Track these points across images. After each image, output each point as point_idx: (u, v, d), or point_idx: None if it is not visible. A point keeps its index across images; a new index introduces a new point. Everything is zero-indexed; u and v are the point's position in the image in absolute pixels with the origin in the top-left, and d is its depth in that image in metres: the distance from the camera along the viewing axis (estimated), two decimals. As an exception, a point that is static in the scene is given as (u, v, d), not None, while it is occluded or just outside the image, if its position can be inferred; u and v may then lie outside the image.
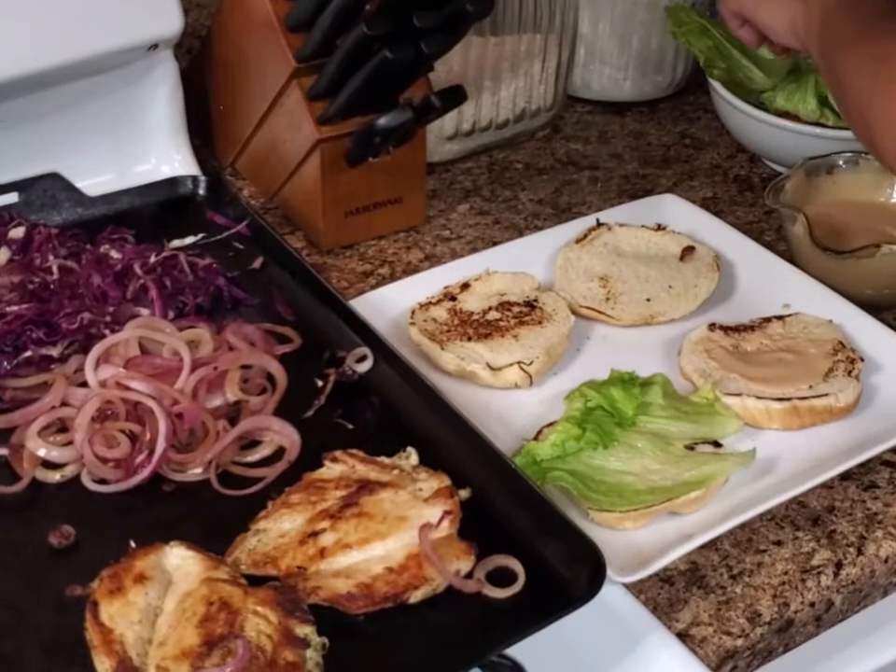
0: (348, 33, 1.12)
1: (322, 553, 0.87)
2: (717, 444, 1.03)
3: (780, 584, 0.94)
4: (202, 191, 1.28)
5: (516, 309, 1.16)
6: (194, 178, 1.28)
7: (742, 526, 0.97)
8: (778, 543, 0.98)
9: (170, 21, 1.22)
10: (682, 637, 0.90)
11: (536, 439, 1.02)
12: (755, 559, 0.96)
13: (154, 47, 1.23)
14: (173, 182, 1.28)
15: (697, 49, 1.41)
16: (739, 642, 0.91)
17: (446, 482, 0.91)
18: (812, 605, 0.94)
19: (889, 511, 1.00)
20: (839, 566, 0.96)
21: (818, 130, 1.36)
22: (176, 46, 1.26)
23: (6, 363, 1.03)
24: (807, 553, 0.97)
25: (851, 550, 0.97)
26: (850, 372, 1.07)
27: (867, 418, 1.06)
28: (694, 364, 1.10)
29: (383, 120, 1.15)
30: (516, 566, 0.87)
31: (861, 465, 1.02)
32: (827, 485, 1.02)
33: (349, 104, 1.18)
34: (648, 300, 1.19)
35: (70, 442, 0.97)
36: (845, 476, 1.02)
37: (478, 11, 1.12)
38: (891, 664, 1.05)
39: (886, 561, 0.97)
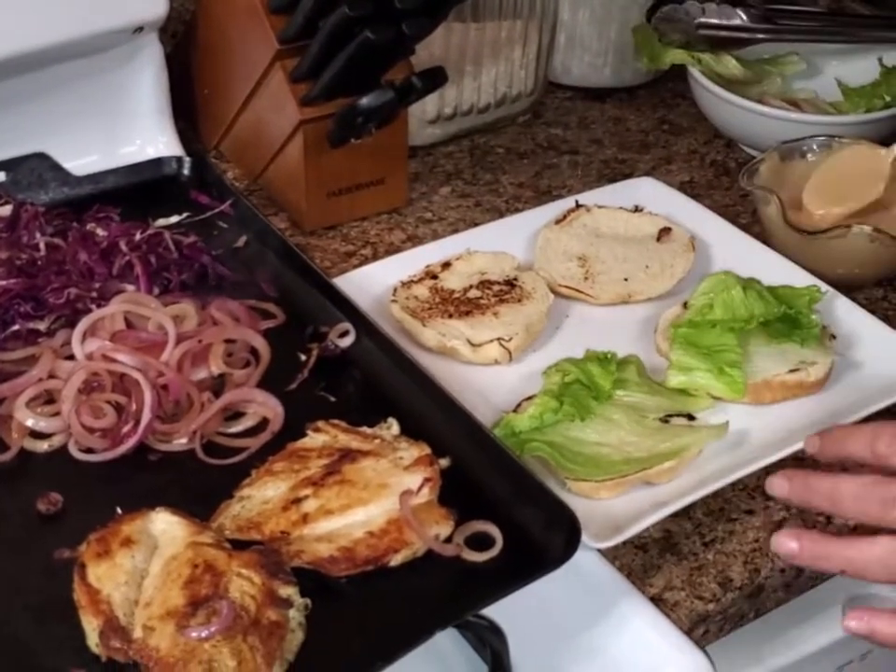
0: (330, 14, 1.14)
1: (305, 519, 0.89)
2: (690, 417, 1.05)
3: (751, 551, 0.97)
4: (186, 171, 1.29)
5: (496, 287, 1.18)
6: (178, 159, 1.30)
7: (714, 496, 1.00)
8: (750, 512, 1.00)
9: (155, 4, 1.23)
10: (655, 601, 0.92)
11: (515, 412, 1.04)
12: (727, 527, 0.99)
13: (139, 29, 1.25)
14: (157, 162, 1.30)
15: (663, 63, 1.45)
16: (711, 607, 0.93)
17: (426, 450, 0.93)
18: (782, 571, 0.97)
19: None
20: (809, 534, 0.98)
21: (793, 115, 1.39)
22: (161, 30, 1.28)
23: (-7, 337, 1.05)
24: (778, 521, 0.99)
25: (820, 519, 1.00)
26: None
27: (837, 393, 1.09)
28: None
29: (365, 100, 1.17)
30: (494, 531, 0.89)
31: (831, 437, 1.04)
32: (797, 457, 1.04)
33: (331, 85, 1.19)
34: (625, 279, 1.21)
35: (57, 413, 0.98)
36: (815, 448, 1.05)
37: (459, -6, 1.15)
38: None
39: (854, 530, 1.00)
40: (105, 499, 0.92)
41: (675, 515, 0.97)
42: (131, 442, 0.96)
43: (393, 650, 0.79)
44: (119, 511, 0.90)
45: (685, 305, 1.15)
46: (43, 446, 0.98)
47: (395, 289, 1.17)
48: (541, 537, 0.89)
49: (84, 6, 1.19)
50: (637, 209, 1.29)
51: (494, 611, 0.85)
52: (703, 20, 1.43)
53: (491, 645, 0.85)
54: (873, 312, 1.16)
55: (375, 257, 1.27)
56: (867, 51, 1.47)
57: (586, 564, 0.91)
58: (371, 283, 1.18)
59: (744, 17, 1.43)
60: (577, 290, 1.20)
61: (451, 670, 0.87)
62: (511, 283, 1.19)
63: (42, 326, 1.06)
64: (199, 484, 0.95)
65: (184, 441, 0.98)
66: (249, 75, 1.27)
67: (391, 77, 1.21)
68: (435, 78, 1.19)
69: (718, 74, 1.44)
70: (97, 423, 0.97)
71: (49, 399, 1.00)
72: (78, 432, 0.97)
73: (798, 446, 1.01)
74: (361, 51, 1.14)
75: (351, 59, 1.15)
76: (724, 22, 1.43)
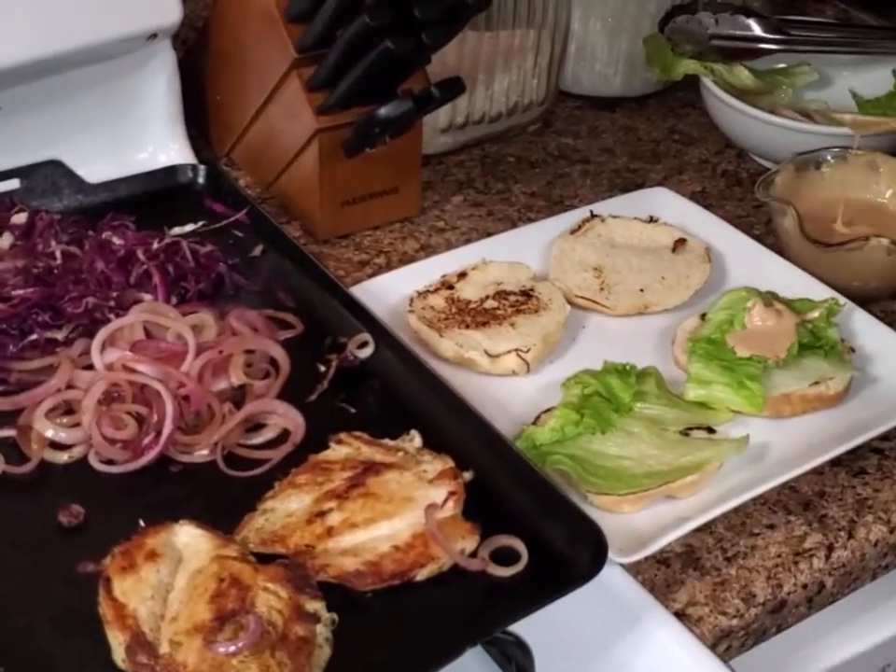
0: (349, 23, 1.14)
1: (329, 532, 0.88)
2: (711, 430, 1.05)
3: (774, 566, 0.97)
4: (201, 180, 1.29)
5: (513, 298, 1.18)
6: (193, 167, 1.29)
7: (736, 510, 0.99)
8: (771, 527, 1.00)
9: (169, 11, 1.23)
10: (679, 616, 0.92)
11: (534, 424, 1.04)
12: (749, 542, 0.98)
13: (153, 36, 1.24)
14: (172, 170, 1.29)
15: (675, 74, 1.45)
16: (734, 622, 0.93)
17: (450, 463, 0.93)
18: (804, 587, 0.96)
19: (879, 497, 1.03)
20: (830, 549, 0.98)
21: (805, 126, 1.39)
22: (174, 37, 1.28)
23: (12, 346, 1.04)
24: (799, 536, 0.99)
25: (842, 534, 1.00)
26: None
27: (856, 406, 1.09)
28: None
29: (384, 110, 1.16)
30: (519, 545, 0.89)
31: (851, 451, 1.04)
32: (818, 471, 1.04)
33: (348, 94, 1.19)
34: (641, 290, 1.21)
35: (77, 424, 0.98)
36: (835, 462, 1.05)
37: (477, 4, 1.14)
38: (880, 645, 1.07)
39: (875, 545, 1.00)
40: (127, 511, 0.92)
41: (696, 530, 0.97)
42: (152, 454, 0.96)
43: (422, 666, 0.79)
44: (141, 523, 0.90)
45: (703, 317, 1.15)
46: (63, 457, 0.97)
47: (411, 299, 1.17)
48: (567, 552, 0.89)
49: (98, 13, 1.19)
50: (651, 219, 1.29)
51: (517, 625, 0.84)
52: (716, 30, 1.43)
53: (516, 661, 0.84)
54: (890, 325, 1.16)
55: (389, 266, 1.26)
56: (879, 63, 1.47)
57: (610, 578, 0.91)
58: (387, 293, 1.18)
59: (756, 28, 1.43)
60: (593, 301, 1.19)
61: (475, 686, 0.87)
62: (527, 293, 1.18)
63: (60, 335, 1.06)
64: (221, 496, 0.95)
65: (205, 452, 0.98)
66: (264, 82, 1.26)
67: (407, 86, 1.21)
68: (453, 88, 1.19)
69: (730, 84, 1.44)
70: (118, 434, 0.97)
71: (69, 409, 1.00)
72: (99, 443, 0.96)
73: (819, 461, 1.02)
74: (380, 61, 1.13)
75: (369, 68, 1.15)
76: (737, 33, 1.43)
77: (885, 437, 1.07)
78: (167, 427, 0.96)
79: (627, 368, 1.08)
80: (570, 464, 0.99)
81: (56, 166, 1.25)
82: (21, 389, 1.01)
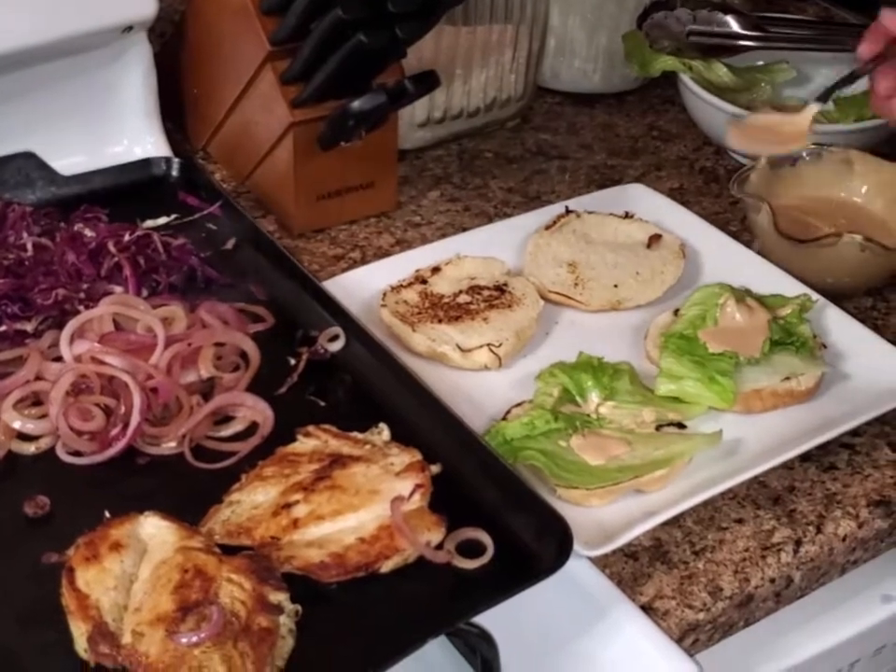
0: (323, 16, 1.14)
1: (295, 524, 0.88)
2: (681, 426, 1.05)
3: (741, 560, 0.97)
4: (174, 173, 1.29)
5: (486, 293, 1.18)
6: (167, 160, 1.29)
7: (705, 504, 0.99)
8: (740, 521, 1.00)
9: (144, 4, 1.23)
10: (646, 609, 0.92)
11: (504, 419, 1.04)
12: (717, 536, 0.98)
13: (128, 29, 1.24)
14: (146, 163, 1.29)
15: (653, 70, 1.45)
16: (701, 615, 0.93)
17: (417, 456, 0.93)
18: (772, 581, 0.96)
19: (848, 492, 1.03)
20: (798, 543, 0.99)
21: (782, 123, 1.39)
22: (150, 30, 1.27)
23: (-20, 337, 1.04)
24: (768, 530, 0.99)
25: (811, 528, 1.00)
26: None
27: (827, 402, 1.09)
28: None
29: (357, 103, 1.16)
30: (485, 538, 0.89)
31: (821, 447, 1.04)
32: (787, 466, 1.04)
33: (323, 87, 1.19)
34: (615, 286, 1.21)
35: (45, 415, 0.98)
36: (805, 457, 1.05)
37: (451, -2, 1.15)
38: (849, 640, 1.07)
39: (844, 540, 1.00)
40: (93, 503, 0.92)
41: (665, 524, 0.97)
42: (119, 446, 0.96)
43: (384, 657, 0.79)
44: (107, 514, 0.90)
45: (676, 313, 1.15)
46: (30, 448, 0.97)
47: (384, 294, 1.17)
48: (533, 544, 0.89)
49: (73, 5, 1.19)
50: (627, 215, 1.29)
51: (483, 618, 0.84)
52: (694, 27, 1.43)
53: (481, 652, 0.85)
54: (862, 321, 1.16)
55: (364, 260, 1.26)
56: (856, 60, 1.47)
57: (577, 572, 0.91)
58: (360, 287, 1.18)
59: (734, 24, 1.43)
60: (567, 296, 1.19)
61: (441, 678, 0.87)
62: (500, 288, 1.18)
63: (29, 327, 1.05)
64: (188, 488, 0.95)
65: (173, 444, 0.97)
66: (239, 76, 1.26)
67: (382, 80, 1.21)
68: (427, 82, 1.18)
69: (708, 81, 1.44)
70: (85, 425, 0.96)
71: (37, 400, 1.00)
72: (66, 435, 0.96)
73: (788, 455, 1.02)
74: (354, 55, 1.13)
75: (343, 62, 1.15)
76: (715, 30, 1.43)
77: (855, 433, 1.07)
78: (135, 419, 0.96)
79: (602, 364, 1.08)
80: (542, 459, 0.99)
81: (29, 158, 1.24)
82: (-11, 381, 1.01)
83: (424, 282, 1.19)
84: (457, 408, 1.01)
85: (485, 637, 0.84)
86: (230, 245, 1.20)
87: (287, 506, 0.89)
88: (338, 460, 0.93)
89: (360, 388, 1.05)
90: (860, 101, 1.42)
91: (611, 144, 1.50)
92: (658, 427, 1.04)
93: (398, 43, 1.15)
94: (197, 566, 0.83)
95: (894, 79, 1.14)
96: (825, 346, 1.13)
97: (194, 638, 0.78)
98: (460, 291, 1.18)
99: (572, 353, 1.09)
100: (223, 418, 1.00)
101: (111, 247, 1.12)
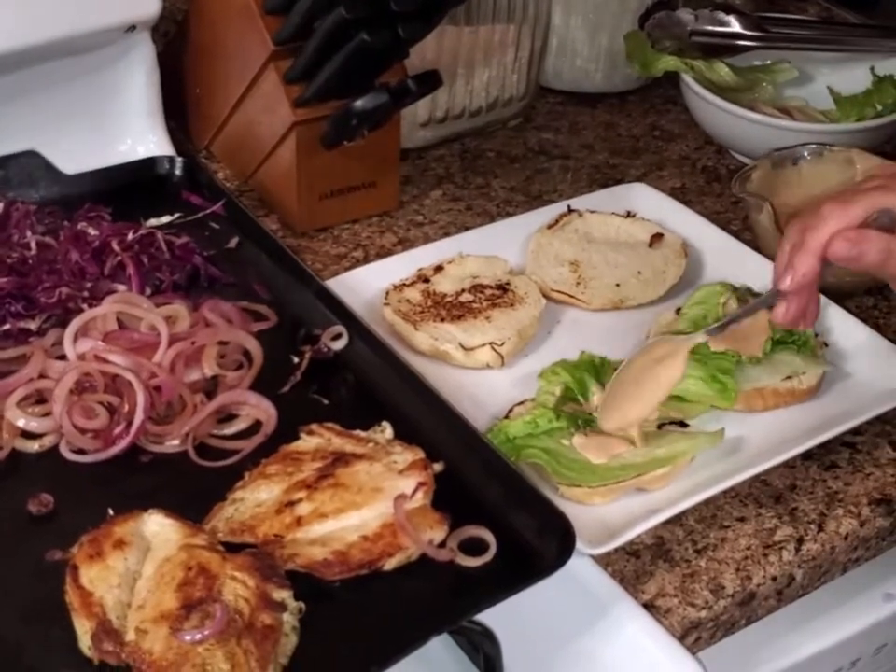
0: (326, 16, 1.14)
1: (299, 522, 0.88)
2: (683, 424, 1.05)
3: (743, 559, 0.97)
4: (178, 172, 1.29)
5: (489, 291, 1.18)
6: (171, 159, 1.29)
7: (707, 503, 1.00)
8: (742, 520, 1.00)
9: (148, 3, 1.23)
10: (648, 607, 0.92)
11: (506, 418, 1.04)
12: (719, 534, 0.99)
13: (132, 28, 1.24)
14: (149, 162, 1.29)
15: (655, 70, 1.45)
16: (703, 614, 0.93)
17: (420, 454, 0.93)
18: (774, 579, 0.97)
19: (849, 490, 1.03)
20: (800, 542, 0.99)
21: (784, 122, 1.39)
22: (153, 29, 1.28)
23: (-16, 335, 1.04)
24: (770, 529, 0.99)
25: (812, 527, 1.00)
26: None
27: (829, 401, 1.09)
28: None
29: (359, 103, 1.16)
30: (488, 536, 0.89)
31: (822, 445, 1.04)
32: (789, 465, 1.04)
33: (325, 87, 1.19)
34: (617, 285, 1.21)
35: (48, 413, 0.98)
36: (806, 456, 1.05)
37: (454, -2, 1.15)
38: (850, 639, 1.08)
39: (845, 538, 1.00)
40: (97, 501, 0.92)
41: (667, 522, 0.97)
42: (123, 444, 0.96)
43: (387, 654, 0.79)
44: (110, 512, 0.90)
45: (677, 312, 1.15)
46: (34, 446, 0.97)
47: (387, 293, 1.17)
48: (535, 542, 0.89)
49: (76, 4, 1.19)
50: (629, 214, 1.29)
51: (486, 616, 0.84)
52: (696, 27, 1.43)
53: (484, 650, 0.85)
54: (864, 320, 1.17)
55: (366, 259, 1.26)
56: (858, 60, 1.47)
57: (579, 570, 0.91)
58: (363, 286, 1.18)
59: (736, 24, 1.43)
60: (569, 295, 1.20)
61: (443, 675, 0.87)
62: (503, 287, 1.19)
63: (33, 325, 1.06)
64: (191, 486, 0.95)
65: (176, 442, 0.98)
66: (242, 75, 1.26)
67: (385, 79, 1.21)
68: (430, 81, 1.19)
69: (710, 81, 1.44)
70: (89, 423, 0.97)
71: (40, 399, 1.00)
72: (70, 433, 0.96)
73: (790, 454, 1.02)
74: (357, 54, 1.13)
75: (346, 61, 1.15)
76: (717, 30, 1.43)
77: (856, 431, 1.07)
78: (138, 417, 0.96)
79: (605, 363, 1.08)
80: (545, 457, 0.99)
81: (33, 157, 1.24)
82: (-8, 379, 1.01)
83: (426, 281, 1.19)
84: (460, 406, 1.01)
85: (488, 635, 0.84)
86: (233, 243, 1.21)
87: (291, 504, 0.90)
88: (341, 458, 0.93)
89: (363, 387, 1.05)
90: (861, 100, 1.42)
91: (613, 143, 1.51)
92: (660, 426, 1.05)
93: (400, 43, 1.15)
94: (201, 563, 0.84)
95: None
96: (826, 345, 1.13)
97: (198, 636, 0.79)
98: (463, 290, 1.18)
99: (574, 352, 1.09)
100: (226, 416, 1.01)
101: (115, 246, 1.12)
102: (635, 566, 0.96)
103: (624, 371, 1.03)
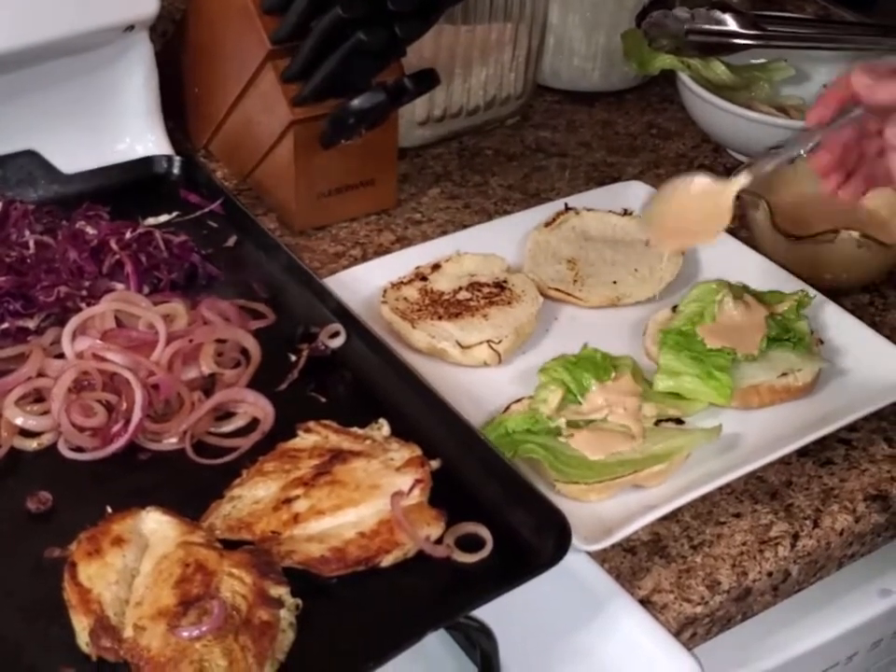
0: (323, 15, 1.14)
1: (296, 519, 0.89)
2: (679, 422, 1.06)
3: (739, 555, 0.97)
4: (176, 171, 1.29)
5: (486, 289, 1.18)
6: (169, 158, 1.30)
7: (703, 499, 1.00)
8: (738, 516, 1.01)
9: (146, 3, 1.23)
10: (644, 603, 0.93)
11: (504, 415, 1.04)
12: (715, 530, 0.99)
13: (130, 28, 1.25)
14: (147, 161, 1.29)
15: (652, 69, 1.45)
16: (699, 609, 0.94)
17: (417, 451, 0.93)
18: (769, 574, 0.97)
19: (845, 487, 1.04)
20: (796, 537, 0.99)
21: (780, 120, 1.40)
22: (151, 28, 1.28)
23: (-17, 334, 1.04)
24: (765, 525, 1.00)
25: (808, 523, 1.00)
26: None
27: (824, 398, 1.10)
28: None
29: (357, 101, 1.17)
30: (484, 532, 0.89)
31: (818, 442, 1.05)
32: (785, 461, 1.05)
33: (323, 86, 1.20)
34: (614, 282, 1.22)
35: (47, 412, 0.98)
36: (802, 452, 1.05)
37: (450, -4, 1.15)
38: (846, 634, 1.08)
39: (841, 534, 1.01)
40: (95, 498, 0.92)
41: (663, 518, 0.98)
42: (121, 441, 0.96)
43: (384, 650, 0.79)
44: (109, 510, 0.90)
45: (674, 309, 1.16)
46: (32, 445, 0.98)
47: (384, 291, 1.17)
48: (532, 539, 0.89)
49: (74, 4, 1.19)
50: (626, 212, 1.30)
51: (483, 612, 0.85)
52: (692, 25, 1.43)
53: (481, 646, 0.85)
54: (860, 317, 1.17)
55: (364, 258, 1.27)
56: (855, 59, 1.47)
57: (575, 566, 0.92)
58: (361, 284, 1.19)
59: (732, 23, 1.44)
60: (566, 293, 1.20)
61: (440, 671, 0.87)
62: (500, 285, 1.19)
63: (31, 324, 1.06)
64: (189, 484, 0.95)
65: (174, 440, 0.98)
66: (240, 74, 1.27)
67: (382, 78, 1.21)
68: (427, 80, 1.19)
69: (706, 79, 1.45)
70: (87, 422, 0.97)
71: (39, 397, 1.00)
72: (68, 431, 0.97)
73: (786, 450, 1.02)
74: (354, 53, 1.14)
75: (343, 60, 1.15)
76: (713, 28, 1.44)
77: (852, 428, 1.07)
78: (136, 415, 0.97)
79: (605, 361, 1.08)
80: (542, 453, 0.99)
81: (31, 156, 1.25)
82: (-9, 377, 1.01)
83: (424, 279, 1.20)
84: (457, 404, 1.01)
85: (484, 631, 0.84)
86: (231, 242, 1.21)
87: (288, 501, 0.90)
88: (338, 455, 0.93)
89: (361, 384, 1.05)
90: (857, 98, 1.42)
91: (610, 141, 1.51)
92: (657, 423, 1.05)
93: (397, 42, 1.15)
94: (198, 560, 0.84)
95: (836, 153, 1.03)
96: (822, 342, 1.13)
97: (195, 632, 0.79)
98: (460, 288, 1.19)
99: (571, 349, 1.10)
100: (224, 414, 1.01)
101: (113, 245, 1.13)
102: (631, 562, 0.96)
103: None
